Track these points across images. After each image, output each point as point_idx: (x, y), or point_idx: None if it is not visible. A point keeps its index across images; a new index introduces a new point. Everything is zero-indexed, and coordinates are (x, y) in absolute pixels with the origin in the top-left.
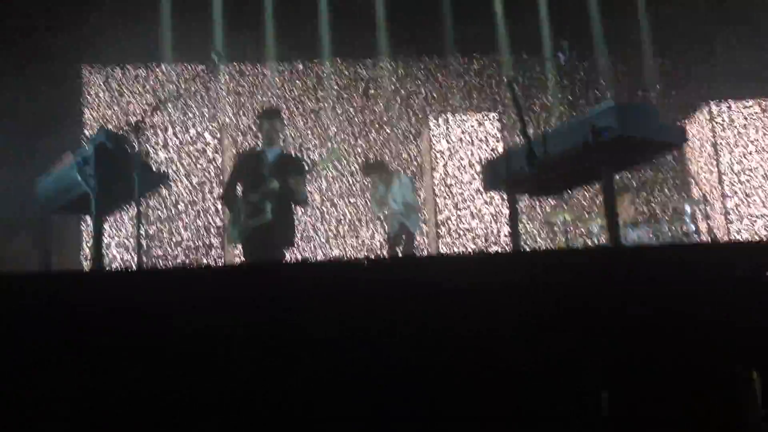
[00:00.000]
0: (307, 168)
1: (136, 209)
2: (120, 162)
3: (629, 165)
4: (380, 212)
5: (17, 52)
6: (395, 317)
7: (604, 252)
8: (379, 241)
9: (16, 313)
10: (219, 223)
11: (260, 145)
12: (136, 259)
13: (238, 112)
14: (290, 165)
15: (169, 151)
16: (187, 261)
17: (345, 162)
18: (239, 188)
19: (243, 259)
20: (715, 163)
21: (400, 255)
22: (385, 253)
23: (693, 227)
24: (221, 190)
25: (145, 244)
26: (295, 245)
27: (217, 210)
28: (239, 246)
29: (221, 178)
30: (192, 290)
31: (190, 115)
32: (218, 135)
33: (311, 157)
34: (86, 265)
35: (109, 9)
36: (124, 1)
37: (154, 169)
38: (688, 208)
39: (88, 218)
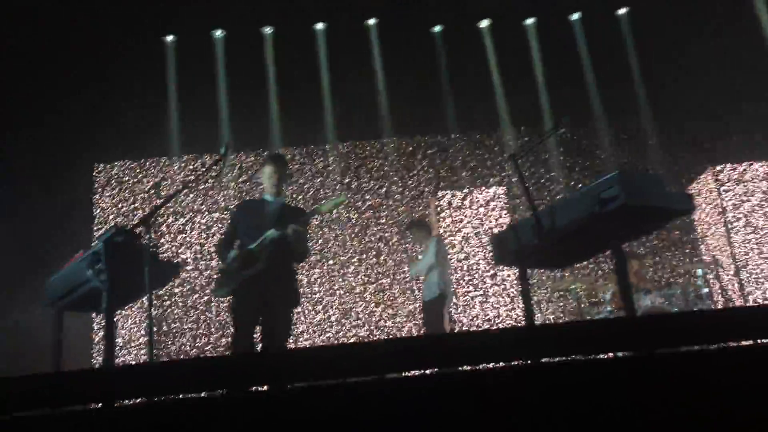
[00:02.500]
0: (309, 219)
1: (147, 302)
2: (130, 256)
3: (637, 234)
4: (416, 274)
5: (29, 155)
6: (407, 399)
7: (619, 323)
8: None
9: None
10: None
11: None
12: (146, 352)
13: (245, 198)
14: (293, 217)
15: (177, 241)
16: (197, 350)
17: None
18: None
19: (234, 315)
20: (723, 225)
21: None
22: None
23: (706, 290)
24: (217, 242)
25: (155, 337)
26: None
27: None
28: (230, 299)
29: None
30: (200, 382)
31: (199, 204)
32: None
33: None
34: (97, 362)
35: (118, 107)
36: (134, 100)
37: (164, 260)
38: (699, 272)
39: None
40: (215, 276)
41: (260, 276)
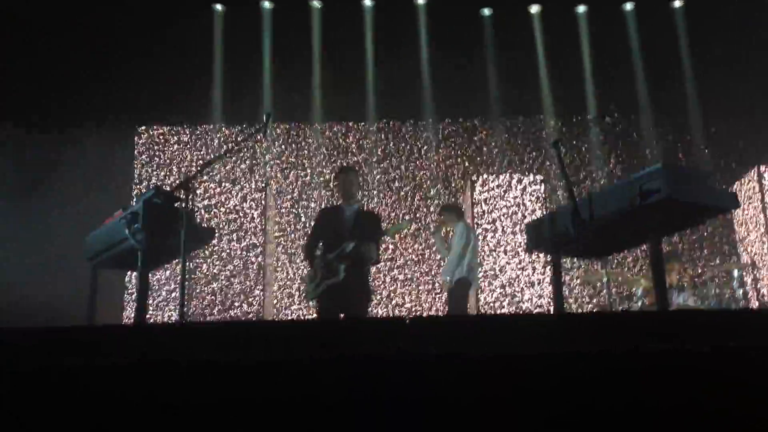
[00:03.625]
0: (382, 225)
1: (181, 265)
2: (168, 218)
3: (677, 229)
4: (443, 253)
5: (74, 114)
6: (434, 377)
7: (651, 317)
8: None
9: (62, 366)
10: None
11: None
12: (178, 313)
13: (283, 170)
14: (368, 223)
15: (216, 207)
16: (227, 315)
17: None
18: (321, 243)
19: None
20: (764, 227)
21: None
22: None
23: (741, 291)
24: (304, 244)
25: (187, 299)
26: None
27: (257, 265)
28: (315, 302)
29: (264, 230)
30: (229, 346)
31: (237, 172)
32: (263, 192)
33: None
34: (129, 318)
35: (163, 72)
36: (178, 65)
37: (200, 225)
38: (736, 273)
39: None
40: (305, 281)
41: (340, 284)
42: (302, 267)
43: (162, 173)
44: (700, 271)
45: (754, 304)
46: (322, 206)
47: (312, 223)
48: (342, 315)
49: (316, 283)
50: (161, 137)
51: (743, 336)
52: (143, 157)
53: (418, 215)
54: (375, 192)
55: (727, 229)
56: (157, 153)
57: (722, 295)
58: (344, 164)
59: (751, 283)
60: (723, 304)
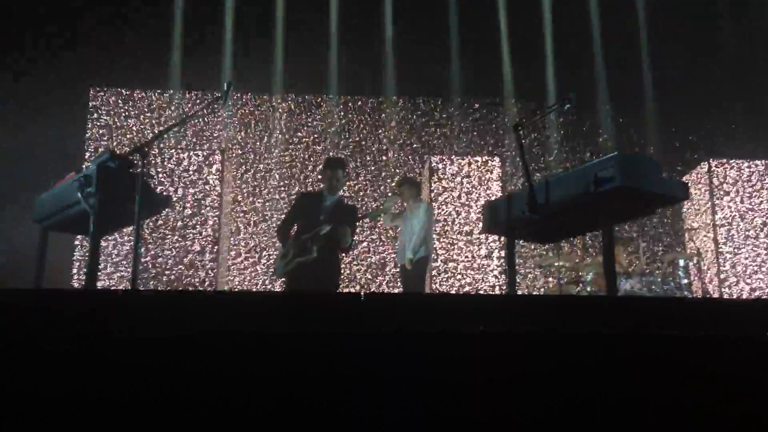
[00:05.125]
0: (358, 218)
1: (135, 231)
2: (122, 183)
3: (629, 217)
4: (391, 224)
5: (27, 72)
6: (386, 354)
7: (600, 301)
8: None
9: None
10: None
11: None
12: (131, 280)
13: (241, 139)
14: (345, 213)
15: (172, 174)
16: (179, 284)
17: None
18: (296, 226)
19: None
20: (710, 218)
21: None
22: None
23: (686, 281)
24: (278, 224)
25: (140, 266)
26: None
27: (213, 237)
28: (283, 279)
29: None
30: (182, 314)
31: (195, 140)
32: (220, 161)
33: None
34: (78, 284)
35: (121, 34)
36: (137, 27)
37: (156, 192)
38: (681, 262)
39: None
40: (275, 259)
41: (311, 264)
42: (258, 239)
43: (117, 137)
44: (647, 259)
45: (698, 293)
46: (279, 178)
47: (292, 205)
48: None
49: (287, 261)
50: (117, 100)
51: (685, 324)
52: (97, 119)
53: (381, 191)
54: None
55: (675, 219)
56: (112, 116)
57: (666, 284)
58: (333, 155)
59: (695, 273)
60: (667, 293)
